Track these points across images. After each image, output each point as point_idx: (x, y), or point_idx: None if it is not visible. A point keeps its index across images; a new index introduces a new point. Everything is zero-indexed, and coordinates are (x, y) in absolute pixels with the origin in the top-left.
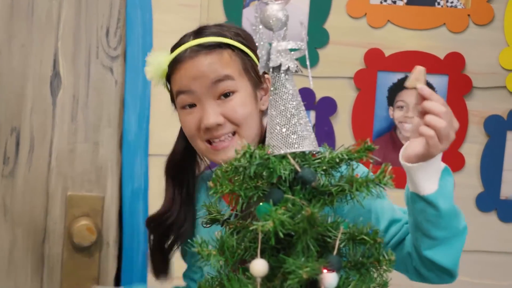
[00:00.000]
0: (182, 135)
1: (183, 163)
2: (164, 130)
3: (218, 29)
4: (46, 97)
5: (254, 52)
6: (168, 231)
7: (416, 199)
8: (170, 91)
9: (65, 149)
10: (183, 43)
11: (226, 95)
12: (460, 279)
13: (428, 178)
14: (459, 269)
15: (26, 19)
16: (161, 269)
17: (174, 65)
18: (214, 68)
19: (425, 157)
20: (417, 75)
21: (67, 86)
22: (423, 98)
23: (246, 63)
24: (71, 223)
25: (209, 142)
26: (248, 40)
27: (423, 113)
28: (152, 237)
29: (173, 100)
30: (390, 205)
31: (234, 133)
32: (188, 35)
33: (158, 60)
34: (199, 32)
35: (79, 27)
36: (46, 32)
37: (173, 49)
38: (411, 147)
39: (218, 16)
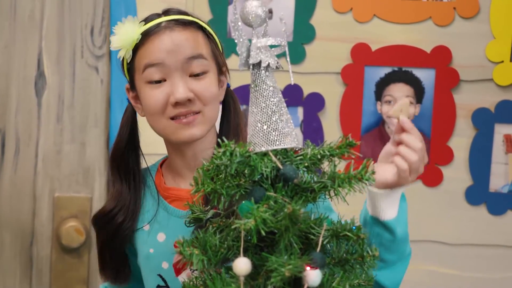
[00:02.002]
0: (126, 125)
1: (128, 154)
2: (150, 129)
3: (185, 12)
4: (31, 98)
5: (216, 42)
6: (118, 229)
7: (375, 223)
8: (129, 65)
9: (51, 150)
10: (153, 19)
11: (197, 74)
12: (451, 273)
13: (390, 205)
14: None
15: (9, 19)
16: (117, 271)
17: (146, 36)
18: (190, 44)
19: (392, 186)
20: (402, 106)
21: (52, 86)
22: (402, 129)
23: (214, 49)
24: (59, 225)
25: (172, 119)
26: (212, 29)
27: (399, 143)
28: (100, 237)
29: (130, 74)
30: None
31: (198, 112)
32: (154, 14)
33: (128, 29)
34: (167, 11)
35: (63, 27)
36: (30, 32)
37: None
38: (381, 174)
39: (204, 14)
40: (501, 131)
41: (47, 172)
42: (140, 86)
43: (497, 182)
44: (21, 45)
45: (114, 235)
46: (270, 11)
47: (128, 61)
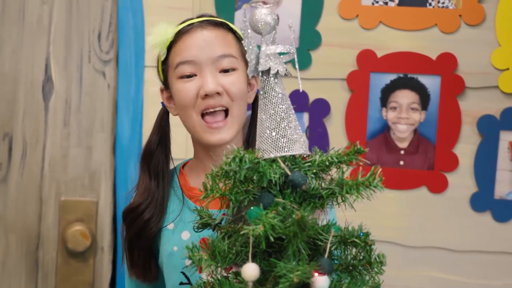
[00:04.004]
0: (158, 127)
1: (158, 154)
2: None
3: (218, 17)
4: (38, 102)
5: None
6: (145, 225)
7: None
8: (164, 65)
9: (58, 154)
10: (187, 21)
11: (227, 70)
12: (455, 279)
13: None
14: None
15: (17, 24)
16: (146, 269)
17: (180, 35)
18: (221, 43)
19: None
20: None
21: (59, 90)
22: None
23: (244, 51)
24: (65, 229)
25: (202, 116)
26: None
27: None
28: (128, 234)
29: (164, 74)
30: None
31: (226, 113)
32: (189, 18)
33: (163, 29)
34: (201, 16)
35: (70, 32)
36: (38, 36)
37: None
38: None
39: None
40: (506, 138)
41: (53, 176)
42: (172, 82)
43: (502, 189)
44: (29, 49)
45: (141, 231)
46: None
47: (162, 59)
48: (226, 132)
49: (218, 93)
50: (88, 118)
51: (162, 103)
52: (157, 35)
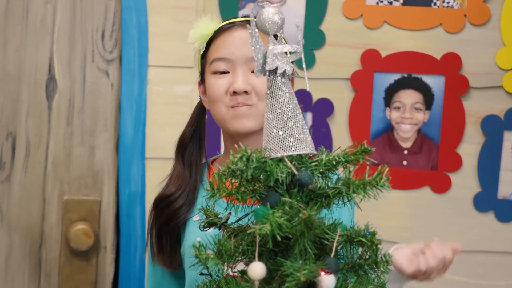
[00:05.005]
0: (193, 119)
1: (191, 146)
2: (160, 133)
3: None
4: (41, 101)
5: None
6: (175, 213)
7: None
8: (202, 59)
9: (61, 153)
10: (230, 20)
11: None
12: (458, 279)
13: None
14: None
15: (21, 24)
16: (172, 256)
17: (220, 32)
18: None
19: (403, 273)
20: None
21: (62, 90)
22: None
23: None
24: (68, 228)
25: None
26: None
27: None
28: (158, 221)
29: (202, 68)
30: None
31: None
32: (233, 17)
33: (205, 24)
34: (245, 16)
35: (74, 31)
36: (41, 36)
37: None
38: (397, 258)
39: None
40: (510, 138)
41: (56, 175)
42: (207, 76)
43: (505, 189)
44: (32, 49)
45: (170, 219)
46: None
47: (201, 53)
48: (247, 120)
49: (246, 92)
50: (92, 117)
51: (200, 96)
52: (199, 29)
